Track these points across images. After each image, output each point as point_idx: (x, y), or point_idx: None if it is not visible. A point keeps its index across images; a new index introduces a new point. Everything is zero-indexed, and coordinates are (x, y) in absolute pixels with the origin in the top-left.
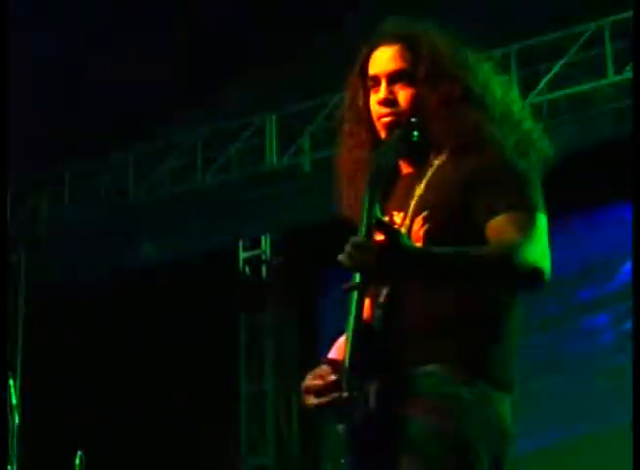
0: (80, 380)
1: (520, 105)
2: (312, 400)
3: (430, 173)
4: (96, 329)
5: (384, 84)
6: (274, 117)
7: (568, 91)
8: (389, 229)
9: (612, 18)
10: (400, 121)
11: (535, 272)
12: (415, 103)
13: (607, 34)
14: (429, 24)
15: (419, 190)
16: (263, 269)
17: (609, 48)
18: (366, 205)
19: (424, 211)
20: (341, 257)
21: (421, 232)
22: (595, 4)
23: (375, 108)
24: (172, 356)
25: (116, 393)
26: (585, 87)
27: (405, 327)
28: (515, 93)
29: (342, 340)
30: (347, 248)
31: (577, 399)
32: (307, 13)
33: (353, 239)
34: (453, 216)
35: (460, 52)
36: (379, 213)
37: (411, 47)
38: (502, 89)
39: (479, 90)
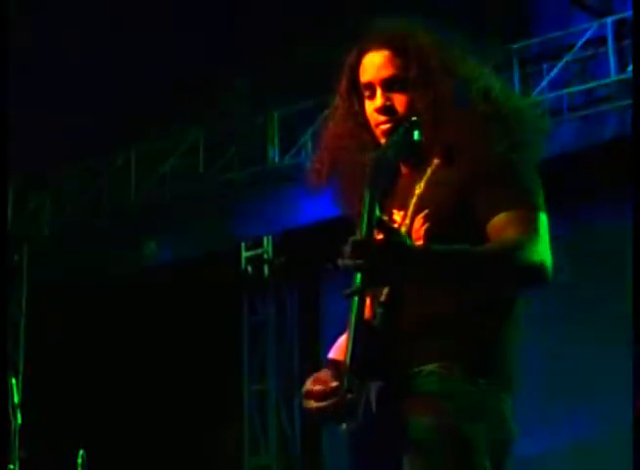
0: (80, 380)
1: (515, 102)
2: (313, 404)
3: (429, 172)
4: (96, 329)
5: (379, 92)
6: (276, 117)
7: (568, 90)
8: (389, 228)
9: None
10: (400, 126)
11: (538, 270)
12: (411, 107)
13: (609, 33)
14: (416, 24)
15: (419, 189)
16: (265, 268)
17: (611, 47)
18: (366, 204)
19: (424, 209)
20: (341, 261)
21: (421, 231)
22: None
23: (372, 115)
24: (173, 356)
25: (117, 392)
26: (587, 86)
27: (406, 326)
28: (510, 89)
29: (342, 339)
30: (347, 248)
31: None
32: (307, 12)
33: (352, 238)
34: (454, 215)
35: (449, 52)
36: (378, 213)
37: (400, 52)
38: (496, 86)
39: (468, 90)
